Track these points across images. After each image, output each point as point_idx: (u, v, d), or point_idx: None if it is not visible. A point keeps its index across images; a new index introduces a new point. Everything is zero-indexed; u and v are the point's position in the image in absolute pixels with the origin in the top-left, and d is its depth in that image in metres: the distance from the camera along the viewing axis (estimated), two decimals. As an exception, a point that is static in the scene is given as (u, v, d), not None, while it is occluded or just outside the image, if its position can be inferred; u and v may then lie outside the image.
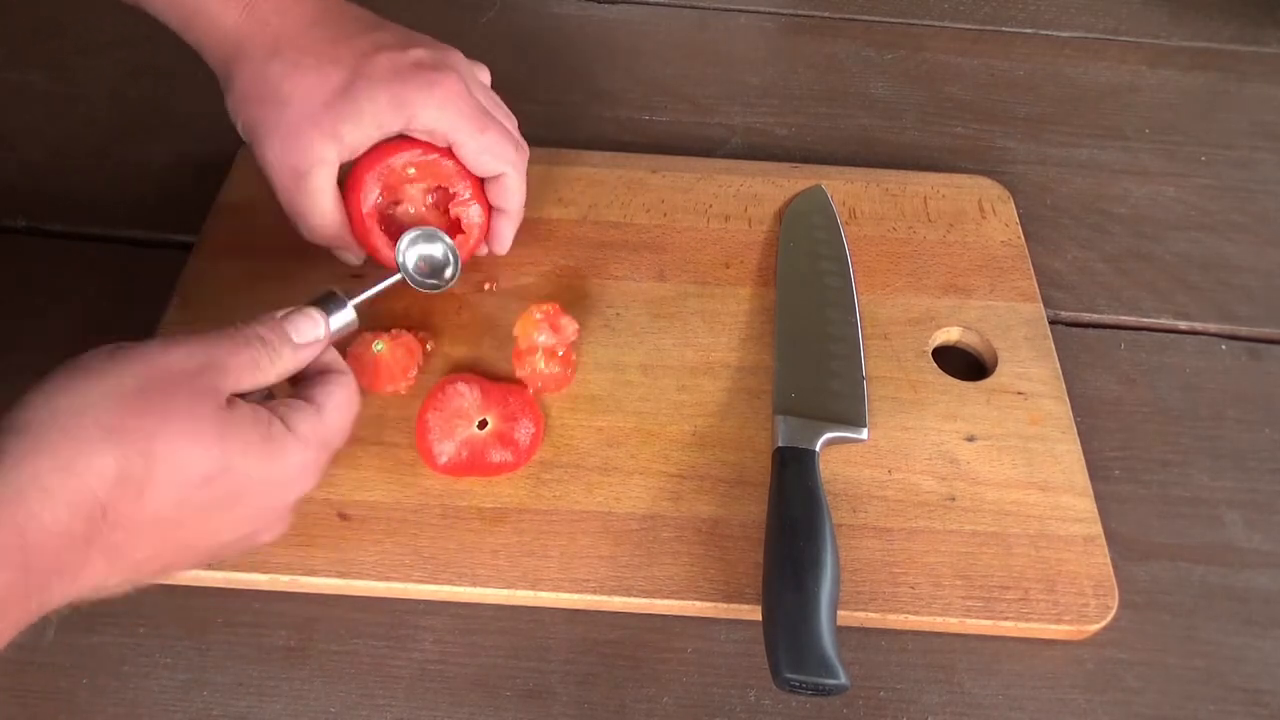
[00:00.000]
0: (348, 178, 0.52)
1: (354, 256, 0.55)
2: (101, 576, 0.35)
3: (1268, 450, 0.54)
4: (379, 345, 0.51)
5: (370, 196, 0.52)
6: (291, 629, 0.46)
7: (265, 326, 0.41)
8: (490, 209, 0.54)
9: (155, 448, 0.35)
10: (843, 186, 0.64)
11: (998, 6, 0.83)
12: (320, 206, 0.51)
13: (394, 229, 0.53)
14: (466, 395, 0.50)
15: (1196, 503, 0.52)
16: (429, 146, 0.51)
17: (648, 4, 0.81)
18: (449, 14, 0.76)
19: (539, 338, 0.51)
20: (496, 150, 0.51)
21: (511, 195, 0.53)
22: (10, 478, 0.33)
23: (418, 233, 0.51)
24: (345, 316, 0.44)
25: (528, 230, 0.58)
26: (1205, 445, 0.55)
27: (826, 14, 0.81)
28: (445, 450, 0.49)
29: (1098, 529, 0.49)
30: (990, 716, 0.45)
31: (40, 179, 0.65)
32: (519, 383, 0.52)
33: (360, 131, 0.49)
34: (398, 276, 0.50)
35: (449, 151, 0.51)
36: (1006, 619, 0.46)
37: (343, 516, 0.48)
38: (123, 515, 0.35)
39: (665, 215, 0.62)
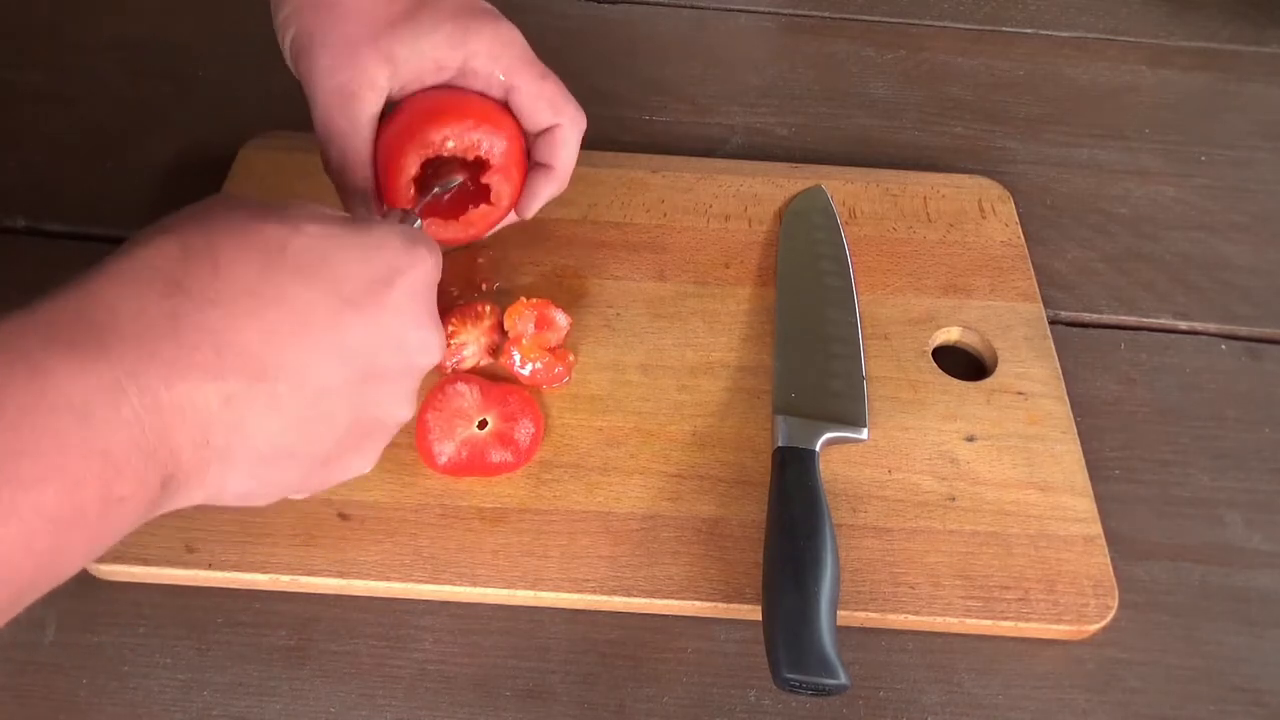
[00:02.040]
0: (383, 142, 0.49)
1: (363, 208, 0.50)
2: (214, 367, 0.32)
3: (1268, 450, 0.54)
4: None
5: (409, 170, 0.48)
6: (291, 629, 0.46)
7: None
8: (523, 177, 0.51)
9: (213, 225, 0.33)
10: (843, 186, 0.64)
11: (998, 6, 0.83)
12: (359, 134, 0.48)
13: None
14: (466, 395, 0.50)
15: (1196, 503, 0.52)
16: (471, 108, 0.49)
17: (648, 4, 0.81)
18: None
19: (528, 327, 0.53)
20: (555, 100, 0.50)
21: (561, 150, 0.51)
22: (70, 279, 0.31)
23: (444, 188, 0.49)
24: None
25: (528, 230, 0.58)
26: (1205, 445, 0.55)
27: (826, 14, 0.81)
28: (445, 450, 0.49)
29: (1098, 529, 0.49)
30: (990, 716, 0.45)
31: (40, 179, 0.65)
32: (519, 383, 0.52)
33: (416, 60, 0.47)
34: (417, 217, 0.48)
35: (495, 109, 0.49)
36: (1006, 619, 0.46)
37: (343, 516, 0.48)
38: (203, 287, 0.32)
39: (665, 215, 0.62)
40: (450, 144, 0.48)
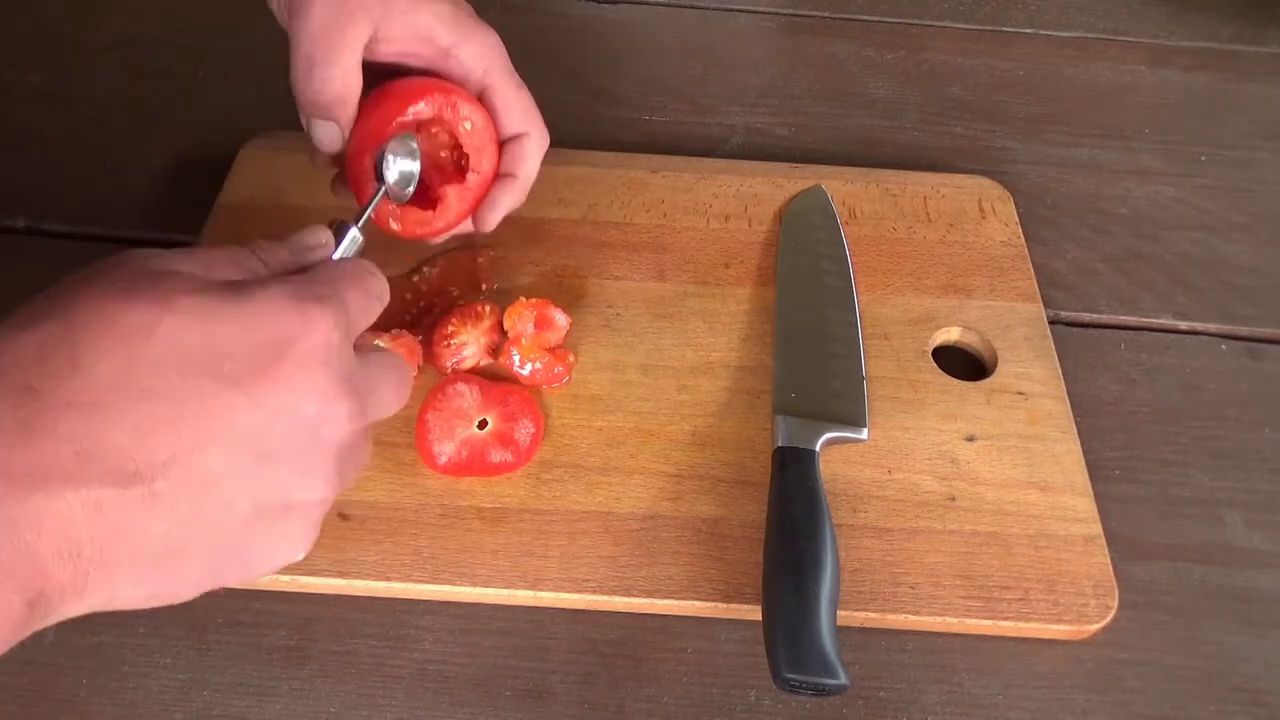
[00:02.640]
0: (362, 114, 0.47)
1: (329, 138, 0.48)
2: (78, 476, 0.29)
3: (1268, 450, 0.54)
4: (379, 345, 0.51)
5: (373, 153, 0.47)
6: (291, 629, 0.46)
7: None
8: (496, 166, 0.50)
9: (74, 312, 0.30)
10: (843, 186, 0.64)
11: (998, 6, 0.83)
12: (346, 58, 0.46)
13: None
14: (466, 395, 0.50)
15: (1196, 503, 0.52)
16: (453, 86, 0.48)
17: (648, 4, 0.81)
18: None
19: (528, 327, 0.52)
20: (528, 110, 0.50)
21: (525, 160, 0.50)
22: None
23: (398, 141, 0.47)
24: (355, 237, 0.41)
25: (527, 230, 0.58)
26: (1205, 445, 0.54)
27: (826, 14, 0.81)
28: (445, 450, 0.49)
29: (1098, 529, 0.49)
30: (990, 716, 0.45)
31: (40, 179, 0.65)
32: (519, 383, 0.52)
33: (409, 20, 0.46)
34: (382, 190, 0.47)
35: (468, 97, 0.48)
36: (1006, 619, 0.46)
37: (343, 516, 0.48)
38: (59, 391, 0.29)
39: (665, 215, 0.62)
40: (428, 111, 0.47)
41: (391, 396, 0.37)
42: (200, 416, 0.31)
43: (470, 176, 0.49)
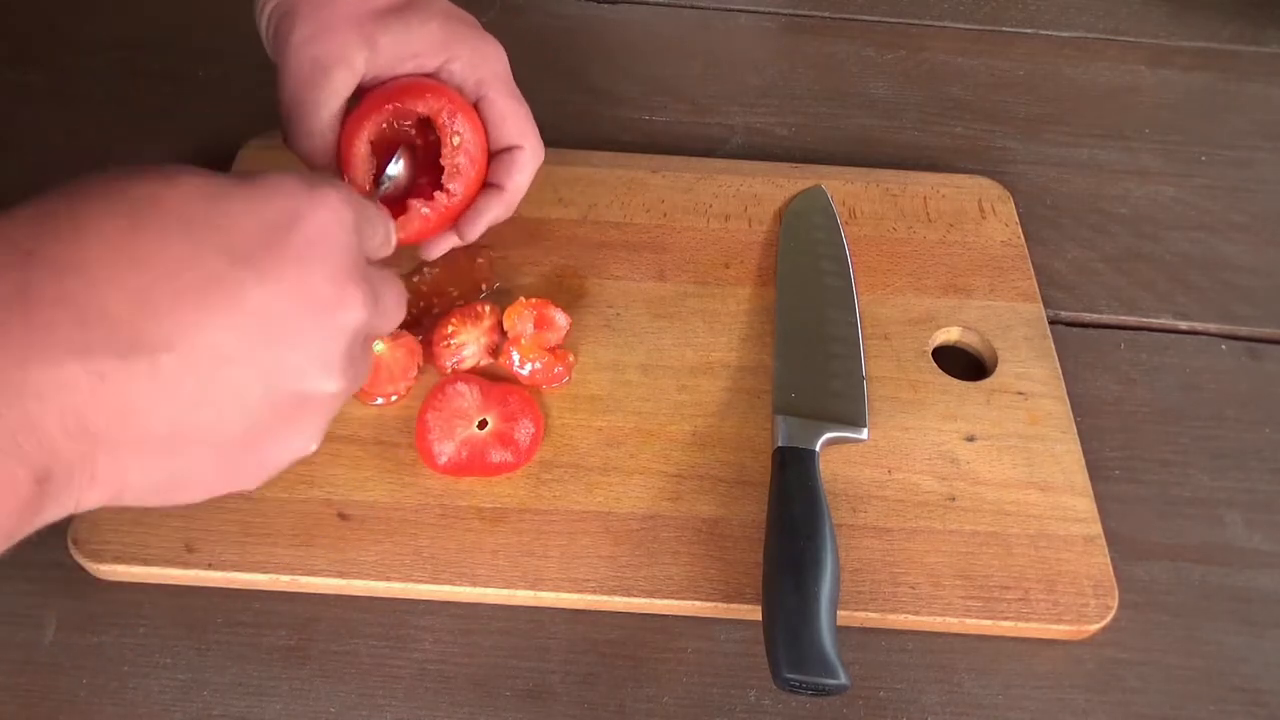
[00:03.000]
0: (348, 118, 0.47)
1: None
2: (77, 340, 0.28)
3: (1268, 450, 0.54)
4: (379, 346, 0.51)
5: (367, 137, 0.47)
6: (291, 629, 0.46)
7: None
8: (483, 174, 0.50)
9: (77, 186, 0.30)
10: (843, 186, 0.64)
11: (998, 6, 0.83)
12: (326, 109, 0.46)
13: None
14: (466, 395, 0.50)
15: (1196, 503, 0.52)
16: (441, 88, 0.48)
17: (648, 4, 0.81)
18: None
19: (527, 327, 0.52)
20: (522, 123, 0.49)
21: (516, 173, 0.49)
22: None
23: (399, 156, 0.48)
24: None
25: (527, 230, 0.58)
26: (1205, 445, 0.55)
27: (826, 14, 0.81)
28: (445, 450, 0.49)
29: (1098, 529, 0.49)
30: (990, 716, 0.45)
31: (40, 179, 0.64)
32: (519, 383, 0.52)
33: (398, 48, 0.46)
34: (388, 182, 0.48)
35: (464, 99, 0.48)
36: (1006, 619, 0.46)
37: (343, 516, 0.48)
38: (56, 253, 0.28)
39: (665, 215, 0.62)
40: (421, 109, 0.47)
41: (395, 306, 0.36)
42: (206, 291, 0.29)
43: (439, 196, 0.48)
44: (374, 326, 0.35)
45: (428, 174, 0.50)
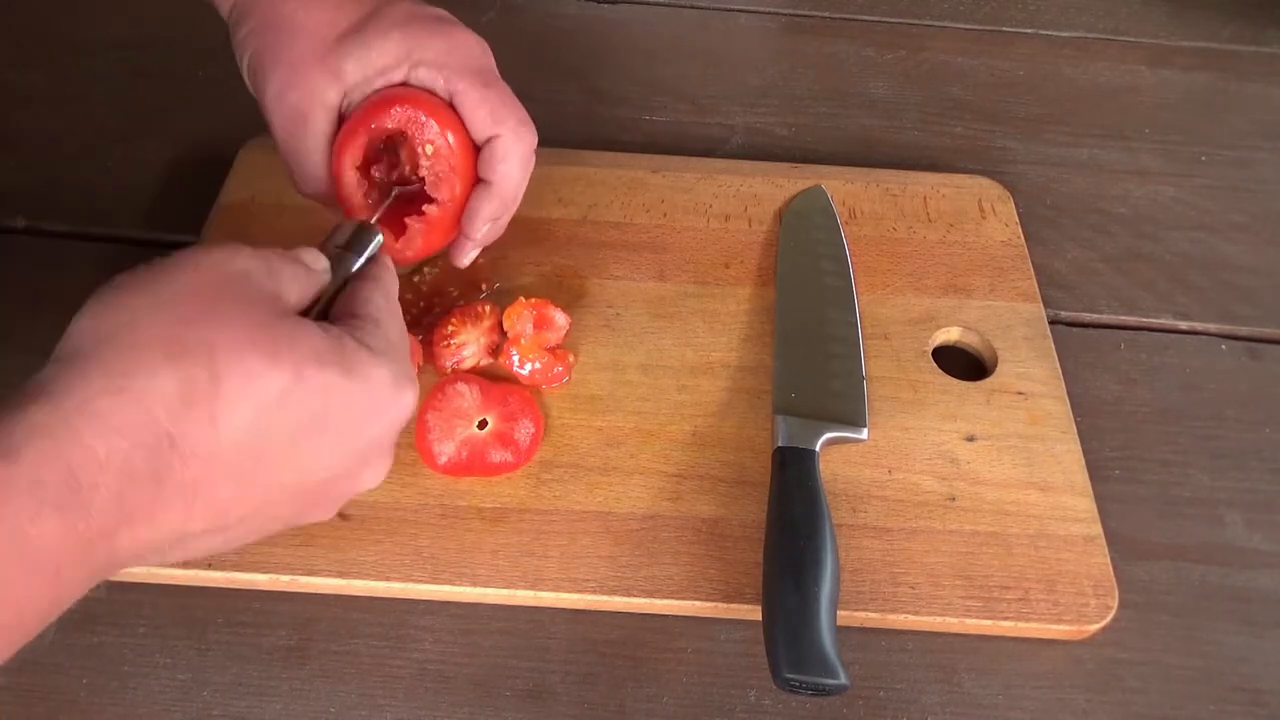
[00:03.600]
0: (336, 141, 0.48)
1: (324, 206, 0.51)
2: (180, 522, 0.32)
3: (1268, 450, 0.54)
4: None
5: (354, 159, 0.48)
6: (291, 629, 0.46)
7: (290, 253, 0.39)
8: (470, 177, 0.49)
9: (218, 358, 0.32)
10: (843, 186, 0.64)
11: (998, 6, 0.83)
12: (315, 152, 0.48)
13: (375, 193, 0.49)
14: (466, 395, 0.50)
15: (1196, 503, 0.52)
16: (413, 97, 0.47)
17: (648, 4, 0.81)
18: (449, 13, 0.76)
19: (527, 327, 0.52)
20: (497, 109, 0.48)
21: (499, 164, 0.48)
22: (57, 405, 0.30)
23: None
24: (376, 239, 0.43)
25: (528, 230, 0.58)
26: (1205, 445, 0.54)
27: (826, 14, 0.81)
28: (445, 450, 0.49)
29: (1098, 529, 0.49)
30: (990, 716, 0.45)
31: (40, 179, 0.65)
32: (519, 383, 0.52)
33: (361, 69, 0.47)
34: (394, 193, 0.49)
35: (441, 104, 0.48)
36: (1006, 619, 0.46)
37: (343, 516, 0.48)
38: (194, 443, 0.31)
39: (665, 215, 0.62)
40: (389, 125, 0.47)
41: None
42: (287, 473, 0.35)
43: (429, 208, 0.48)
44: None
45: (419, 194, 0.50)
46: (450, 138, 0.48)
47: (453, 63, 0.48)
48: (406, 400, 0.38)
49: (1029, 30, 0.81)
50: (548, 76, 0.74)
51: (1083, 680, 0.46)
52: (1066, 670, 0.46)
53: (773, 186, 0.63)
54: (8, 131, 0.67)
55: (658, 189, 0.63)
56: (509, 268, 0.58)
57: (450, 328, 0.53)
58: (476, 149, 0.49)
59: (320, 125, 0.48)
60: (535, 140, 0.50)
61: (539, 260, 0.59)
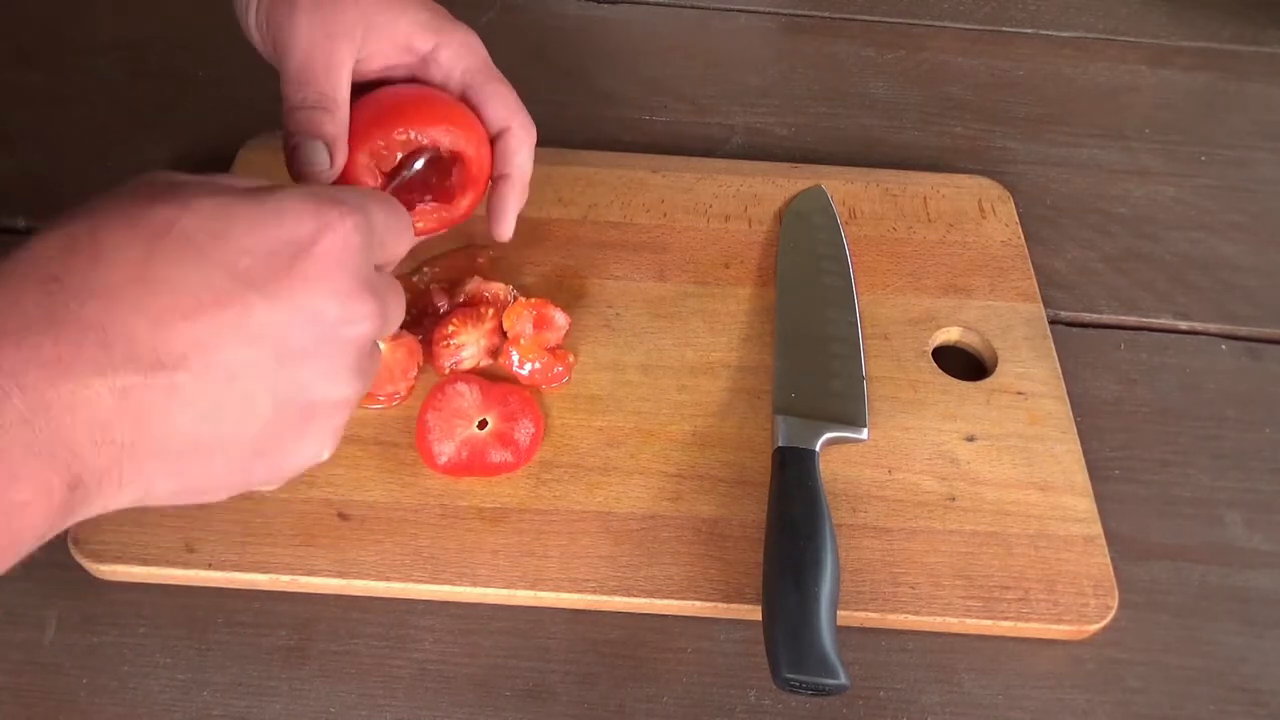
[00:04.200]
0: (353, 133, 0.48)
1: (320, 161, 0.46)
2: (101, 366, 0.30)
3: (1268, 450, 0.54)
4: (379, 345, 0.51)
5: (370, 167, 0.47)
6: (291, 629, 0.46)
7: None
8: (488, 174, 0.50)
9: (102, 208, 0.32)
10: (843, 186, 0.64)
11: (998, 6, 0.83)
12: (337, 73, 0.46)
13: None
14: (466, 395, 0.50)
15: (1196, 503, 0.52)
16: (438, 103, 0.48)
17: (648, 4, 0.81)
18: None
19: (526, 327, 0.53)
20: (509, 102, 0.50)
21: (514, 156, 0.50)
22: None
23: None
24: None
25: (528, 230, 0.58)
26: (1205, 445, 0.55)
27: (826, 14, 0.81)
28: (445, 450, 0.49)
29: (1098, 529, 0.49)
30: (990, 716, 0.45)
31: (40, 179, 0.65)
32: (519, 383, 0.52)
33: (390, 31, 0.47)
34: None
35: (459, 105, 0.49)
36: (1006, 619, 0.46)
37: (343, 516, 0.48)
38: (82, 279, 0.30)
39: (665, 215, 0.62)
40: (416, 137, 0.47)
41: (399, 309, 0.38)
42: (216, 311, 0.32)
43: (444, 211, 0.49)
44: (379, 333, 0.37)
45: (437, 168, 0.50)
46: (476, 148, 0.48)
47: (470, 57, 0.49)
48: (332, 218, 0.34)
49: (1029, 30, 0.81)
50: (548, 76, 0.74)
51: (1083, 680, 0.46)
52: (1066, 670, 0.46)
53: (773, 186, 0.63)
54: (8, 131, 0.67)
55: (658, 189, 0.63)
56: (509, 268, 0.58)
57: (451, 328, 0.53)
58: (490, 142, 0.50)
59: (347, 51, 0.46)
60: (536, 133, 0.51)
61: (539, 260, 0.59)
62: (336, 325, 0.34)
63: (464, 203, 0.50)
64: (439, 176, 0.49)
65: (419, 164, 0.48)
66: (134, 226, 0.32)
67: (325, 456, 0.37)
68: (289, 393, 0.34)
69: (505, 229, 0.51)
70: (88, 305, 0.30)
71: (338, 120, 0.47)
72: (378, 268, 0.37)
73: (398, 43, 0.48)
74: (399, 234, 0.38)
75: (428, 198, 0.49)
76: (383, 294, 0.36)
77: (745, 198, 0.63)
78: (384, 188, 0.48)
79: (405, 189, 0.49)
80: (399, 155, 0.47)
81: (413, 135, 0.47)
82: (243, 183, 0.35)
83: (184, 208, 0.32)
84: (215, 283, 0.32)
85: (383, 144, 0.47)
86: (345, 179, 0.47)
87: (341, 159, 0.47)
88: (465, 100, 0.49)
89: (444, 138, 0.47)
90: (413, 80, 0.49)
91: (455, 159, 0.48)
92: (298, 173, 0.46)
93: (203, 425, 0.32)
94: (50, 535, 0.31)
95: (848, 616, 0.46)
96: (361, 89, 0.48)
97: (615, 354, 0.55)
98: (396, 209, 0.38)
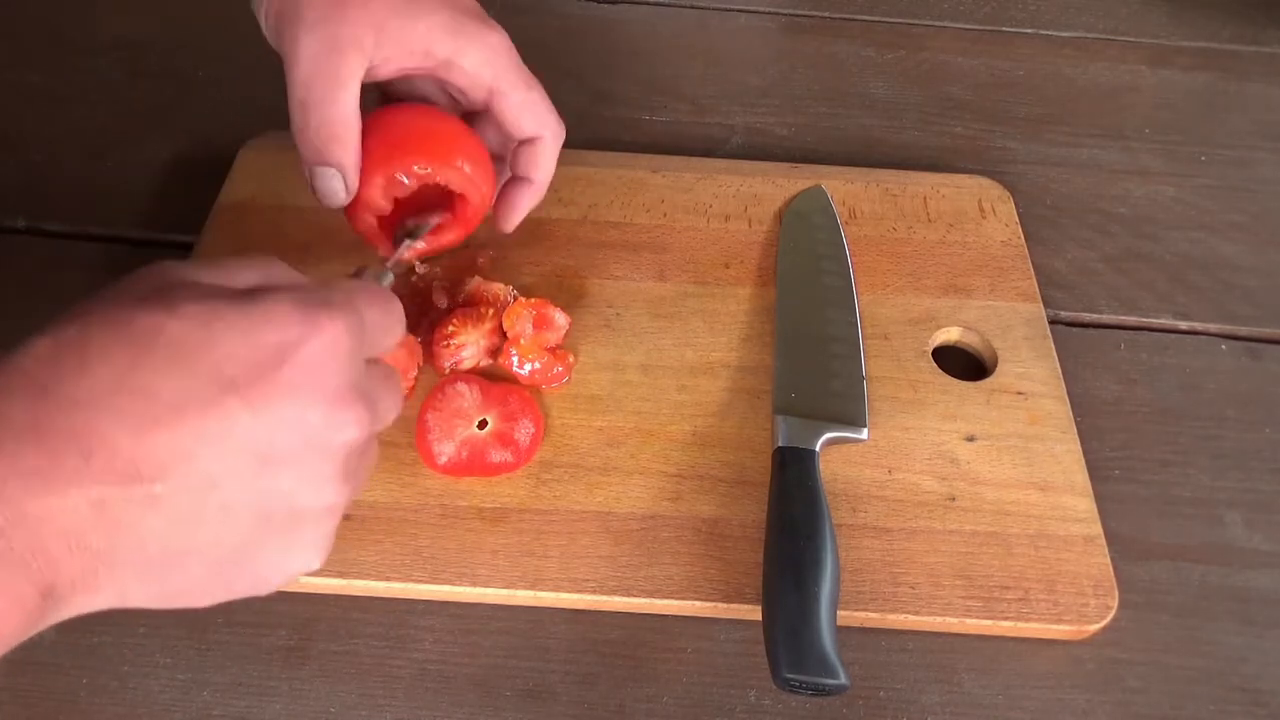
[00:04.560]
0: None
1: (333, 191, 0.47)
2: (82, 475, 0.29)
3: (1268, 450, 0.54)
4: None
5: (376, 191, 0.48)
6: (291, 629, 0.46)
7: None
8: (489, 196, 0.51)
9: (92, 313, 0.31)
10: (843, 186, 0.64)
11: (998, 6, 0.83)
12: (343, 94, 0.46)
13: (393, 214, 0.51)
14: (466, 395, 0.50)
15: (1196, 503, 0.52)
16: (440, 137, 0.48)
17: (648, 4, 0.81)
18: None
19: (526, 327, 0.53)
20: (539, 110, 0.49)
21: (542, 162, 0.51)
22: None
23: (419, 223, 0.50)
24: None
25: (528, 230, 0.58)
26: (1205, 445, 0.54)
27: (826, 14, 0.81)
28: (445, 450, 0.49)
29: (1098, 529, 0.49)
30: (990, 716, 0.45)
31: (40, 179, 0.65)
32: (519, 383, 0.52)
33: (405, 37, 0.46)
34: (405, 244, 0.49)
35: (463, 133, 0.49)
36: (1006, 619, 0.46)
37: (343, 516, 0.47)
38: (68, 389, 0.30)
39: (665, 215, 0.62)
40: (418, 168, 0.48)
41: (392, 404, 0.37)
42: (198, 420, 0.31)
43: (447, 233, 0.51)
44: (368, 435, 0.35)
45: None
46: (480, 190, 0.49)
47: (497, 61, 0.48)
48: (321, 323, 0.33)
49: (1029, 30, 0.81)
50: (548, 76, 0.73)
51: (1083, 680, 0.46)
52: (1066, 670, 0.46)
53: (773, 186, 0.63)
54: (8, 131, 0.67)
55: (658, 189, 0.63)
56: (509, 268, 0.58)
57: (451, 328, 0.53)
58: (493, 159, 0.51)
59: (354, 65, 0.45)
60: (564, 134, 0.52)
61: (539, 260, 0.59)
62: (321, 431, 0.33)
63: (452, 235, 0.51)
64: (436, 198, 0.50)
65: (426, 226, 0.50)
66: (121, 332, 0.31)
67: (316, 566, 0.35)
68: (271, 501, 0.33)
69: (513, 224, 0.53)
70: (73, 416, 0.30)
71: (347, 145, 0.46)
72: (369, 361, 0.36)
73: (414, 48, 0.47)
74: (389, 329, 0.37)
75: (419, 219, 0.50)
76: (373, 393, 0.35)
77: (745, 198, 0.63)
78: (394, 210, 0.49)
79: (399, 206, 0.49)
80: (412, 186, 0.48)
81: (428, 171, 0.48)
82: (241, 278, 0.34)
83: (171, 313, 0.31)
84: (199, 391, 0.31)
85: (399, 174, 0.47)
86: (358, 203, 0.48)
87: (355, 182, 0.47)
88: (491, 109, 0.49)
89: (454, 178, 0.48)
90: (434, 81, 0.49)
91: (459, 198, 0.49)
92: (319, 199, 0.48)
93: (180, 535, 0.31)
94: (25, 638, 0.30)
95: (848, 616, 0.46)
96: (380, 91, 0.48)
97: (615, 354, 0.55)
98: (388, 303, 0.37)
